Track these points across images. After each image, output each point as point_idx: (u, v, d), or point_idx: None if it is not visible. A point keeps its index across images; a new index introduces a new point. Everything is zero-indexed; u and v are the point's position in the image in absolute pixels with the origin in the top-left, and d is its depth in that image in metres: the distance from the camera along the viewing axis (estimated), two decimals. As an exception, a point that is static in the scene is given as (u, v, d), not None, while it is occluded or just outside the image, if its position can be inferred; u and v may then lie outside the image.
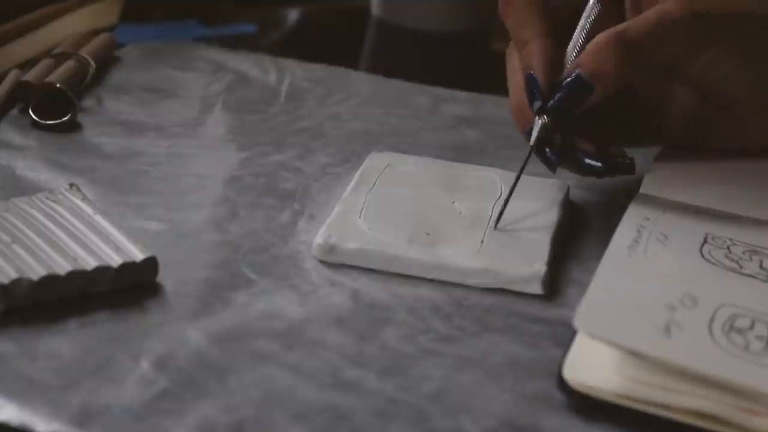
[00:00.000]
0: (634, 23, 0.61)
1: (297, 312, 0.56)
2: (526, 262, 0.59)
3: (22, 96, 0.74)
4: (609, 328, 0.51)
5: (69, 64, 0.77)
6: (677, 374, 0.49)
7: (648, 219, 0.60)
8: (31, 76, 0.75)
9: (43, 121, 0.72)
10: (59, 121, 0.72)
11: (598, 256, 0.58)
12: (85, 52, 0.79)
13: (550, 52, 0.62)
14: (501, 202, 0.64)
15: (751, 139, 0.65)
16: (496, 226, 0.62)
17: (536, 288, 0.59)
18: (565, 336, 0.53)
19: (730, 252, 0.58)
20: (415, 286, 0.59)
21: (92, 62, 0.78)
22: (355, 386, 0.52)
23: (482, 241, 0.61)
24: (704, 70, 0.62)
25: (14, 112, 0.74)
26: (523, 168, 0.62)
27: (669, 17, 0.60)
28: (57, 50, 0.79)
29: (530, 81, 0.62)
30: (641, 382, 0.50)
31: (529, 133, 0.62)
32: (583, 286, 0.55)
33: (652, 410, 0.50)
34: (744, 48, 0.62)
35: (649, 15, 0.61)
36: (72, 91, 0.74)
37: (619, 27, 0.61)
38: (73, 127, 0.73)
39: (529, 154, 0.62)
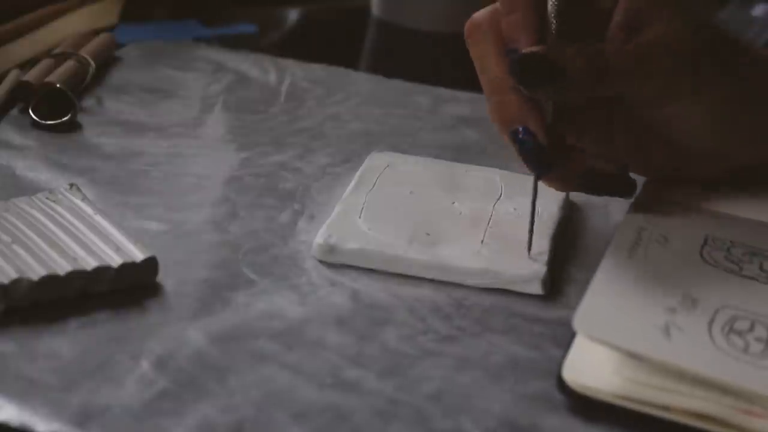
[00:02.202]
0: (614, 49, 0.58)
1: (297, 312, 0.56)
2: (526, 262, 0.59)
3: (22, 96, 0.74)
4: (608, 330, 0.51)
5: (69, 64, 0.77)
6: (676, 375, 0.49)
7: (648, 220, 0.60)
8: (31, 76, 0.75)
9: (43, 121, 0.72)
10: (59, 121, 0.72)
11: (598, 256, 0.58)
12: (85, 52, 0.79)
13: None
14: (501, 202, 0.64)
15: (692, 175, 0.63)
16: (529, 254, 0.60)
17: (536, 288, 0.59)
18: (565, 336, 0.53)
19: (730, 254, 0.58)
20: (415, 286, 0.59)
21: (92, 62, 0.78)
22: (355, 386, 0.52)
23: (482, 241, 0.61)
24: (669, 120, 0.60)
25: (14, 112, 0.74)
26: (534, 200, 0.60)
27: (653, 58, 0.58)
28: (57, 50, 0.79)
29: (528, 142, 0.58)
30: (641, 383, 0.50)
31: (516, 133, 0.59)
32: (583, 286, 0.55)
33: (651, 411, 0.50)
34: (711, 101, 0.59)
35: (630, 50, 0.58)
36: (72, 91, 0.74)
37: (595, 47, 0.58)
38: (73, 127, 0.73)
39: (536, 185, 0.60)
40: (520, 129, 0.59)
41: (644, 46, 0.58)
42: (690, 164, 0.62)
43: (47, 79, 0.75)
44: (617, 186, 0.61)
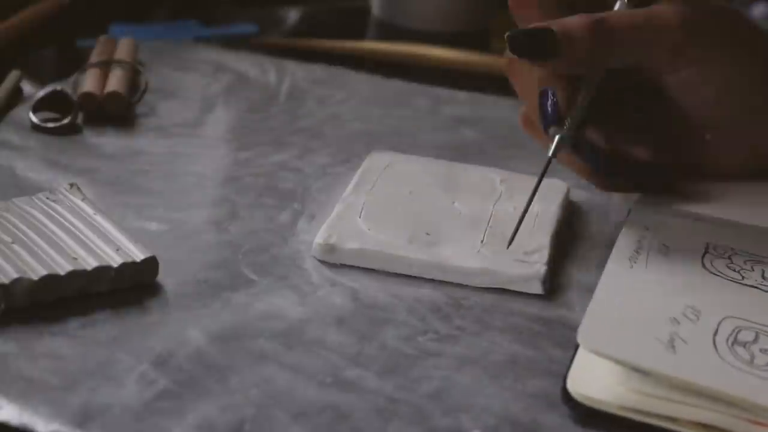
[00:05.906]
0: (617, 14, 0.59)
1: (297, 312, 0.56)
2: (526, 261, 0.59)
3: (86, 106, 0.73)
4: (613, 344, 0.50)
5: (118, 73, 0.76)
6: (683, 388, 0.49)
7: (648, 229, 0.59)
8: (90, 86, 0.74)
9: (43, 124, 0.72)
10: (60, 123, 0.72)
11: (598, 256, 0.57)
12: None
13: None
14: (500, 202, 0.64)
15: (719, 167, 0.63)
16: (508, 246, 0.59)
17: (536, 288, 0.59)
18: (565, 336, 0.53)
19: (732, 262, 0.57)
20: (415, 286, 0.59)
21: (141, 69, 0.77)
22: (355, 386, 0.52)
23: (482, 241, 0.61)
24: (682, 88, 0.60)
25: (14, 112, 0.74)
26: (539, 181, 0.58)
27: (660, 21, 0.59)
28: (99, 59, 0.78)
29: (545, 98, 0.59)
30: (646, 394, 0.49)
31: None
32: (583, 286, 0.55)
33: (657, 422, 0.49)
34: (727, 72, 0.60)
35: (637, 12, 0.59)
36: (130, 98, 0.74)
37: (598, 15, 0.59)
38: (74, 128, 0.73)
39: (546, 165, 0.58)
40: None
41: (652, 12, 0.59)
42: (719, 152, 0.62)
43: (107, 90, 0.74)
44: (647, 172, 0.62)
